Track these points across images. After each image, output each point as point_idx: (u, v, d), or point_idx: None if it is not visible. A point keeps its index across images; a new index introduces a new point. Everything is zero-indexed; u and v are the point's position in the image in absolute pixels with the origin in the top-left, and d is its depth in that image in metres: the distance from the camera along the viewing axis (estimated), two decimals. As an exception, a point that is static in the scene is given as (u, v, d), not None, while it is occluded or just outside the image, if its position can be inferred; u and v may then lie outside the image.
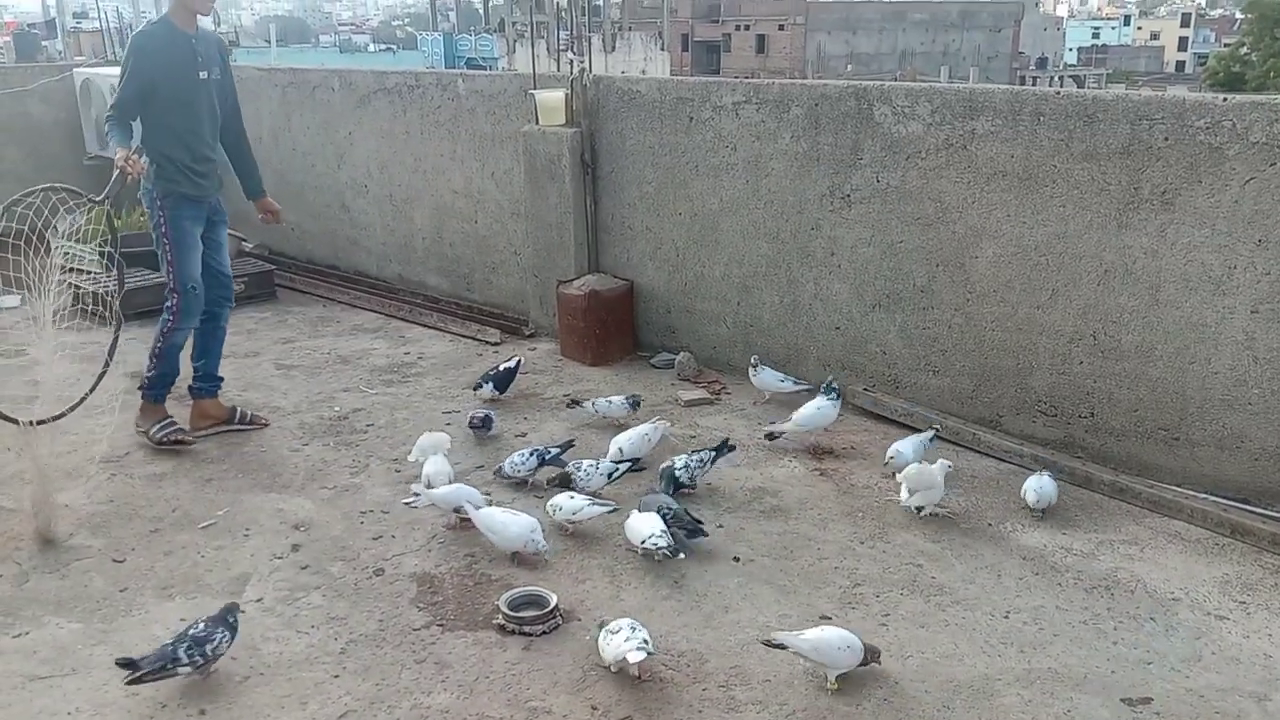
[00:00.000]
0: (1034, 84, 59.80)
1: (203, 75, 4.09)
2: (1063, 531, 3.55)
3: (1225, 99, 3.52)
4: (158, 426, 4.27)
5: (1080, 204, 3.81)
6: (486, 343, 5.61)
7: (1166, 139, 3.59)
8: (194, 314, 4.22)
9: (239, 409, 4.52)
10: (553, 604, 3.04)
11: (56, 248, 6.95)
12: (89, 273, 6.66)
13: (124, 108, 3.99)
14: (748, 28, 59.38)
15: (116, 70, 7.68)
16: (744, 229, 4.85)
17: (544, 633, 2.97)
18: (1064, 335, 3.96)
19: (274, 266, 6.75)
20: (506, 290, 6.03)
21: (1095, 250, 3.82)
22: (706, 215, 4.98)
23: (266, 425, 4.48)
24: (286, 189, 7.22)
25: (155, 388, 4.31)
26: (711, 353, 5.14)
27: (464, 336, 5.71)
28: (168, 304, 4.19)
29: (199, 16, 4.12)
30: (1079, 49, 69.47)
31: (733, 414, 4.62)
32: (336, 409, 4.70)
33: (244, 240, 7.25)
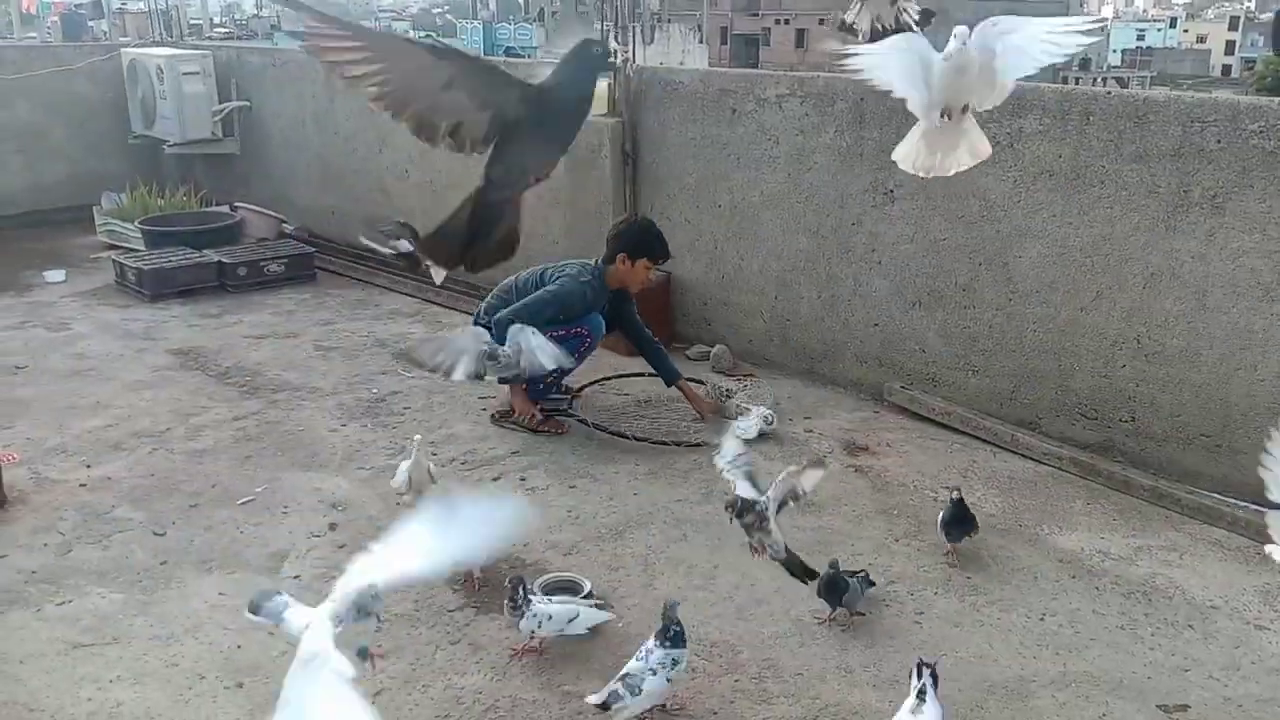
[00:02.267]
0: (1077, 85, 59.02)
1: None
2: (1101, 536, 3.52)
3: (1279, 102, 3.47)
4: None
5: (1128, 205, 3.77)
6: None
7: (1219, 142, 3.54)
8: (601, 329, 4.35)
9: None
10: (586, 590, 3.05)
11: (100, 225, 7.09)
12: (131, 249, 6.77)
13: (535, 317, 4.12)
14: (787, 21, 58.97)
15: (165, 51, 7.83)
16: (784, 223, 4.83)
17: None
18: (1107, 338, 3.92)
19: (314, 249, 6.79)
20: None
21: (1142, 253, 3.78)
22: (746, 208, 4.97)
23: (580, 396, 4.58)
24: (328, 173, 7.34)
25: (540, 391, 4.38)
26: (747, 346, 5.13)
27: None
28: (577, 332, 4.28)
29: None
30: (1123, 50, 68.40)
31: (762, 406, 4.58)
32: (374, 391, 4.73)
33: (284, 222, 7.33)
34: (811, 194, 4.70)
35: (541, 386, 4.37)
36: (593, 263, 4.34)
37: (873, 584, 3.10)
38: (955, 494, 3.31)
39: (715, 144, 5.01)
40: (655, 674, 2.48)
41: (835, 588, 2.93)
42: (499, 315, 4.16)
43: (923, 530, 3.54)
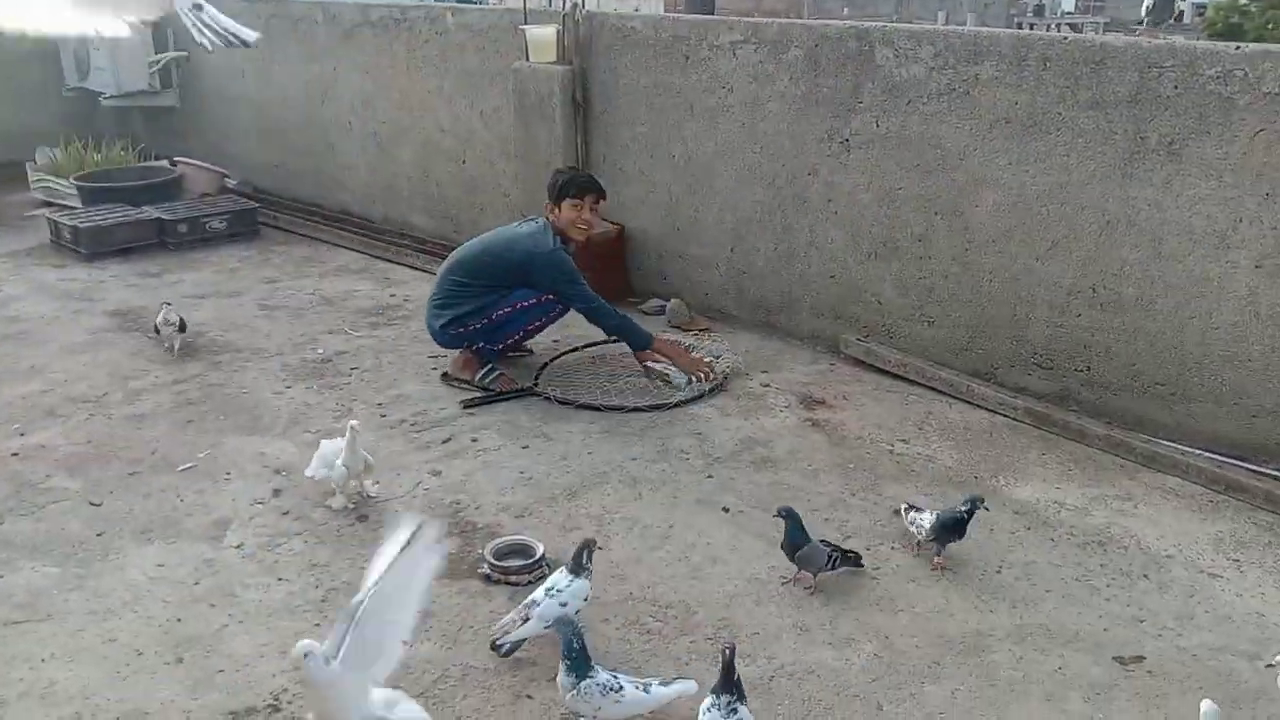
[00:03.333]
0: (1031, 29, 59.16)
1: None
2: (1056, 486, 3.51)
3: (1238, 47, 3.41)
4: (484, 373, 4.21)
5: (1084, 153, 3.72)
6: None
7: (1176, 88, 3.49)
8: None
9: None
10: (539, 554, 2.99)
11: (34, 181, 6.81)
12: (67, 207, 6.52)
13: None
14: (743, -32, 58.06)
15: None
16: (739, 173, 4.74)
17: (529, 583, 2.91)
18: (1063, 287, 3.88)
19: (258, 204, 6.59)
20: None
21: (1098, 201, 3.73)
22: (701, 159, 4.86)
23: (531, 353, 4.54)
24: (269, 126, 7.13)
25: (493, 352, 4.27)
26: (704, 299, 5.05)
27: None
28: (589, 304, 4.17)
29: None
30: (1077, -4, 68.40)
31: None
32: (320, 351, 4.60)
33: (227, 176, 7.09)
34: (766, 143, 4.60)
35: (499, 348, 4.26)
36: (537, 220, 4.23)
37: (860, 565, 2.99)
38: (970, 507, 3.00)
39: (669, 92, 4.88)
40: (551, 598, 2.55)
41: (797, 547, 2.87)
42: (591, 307, 4.14)
43: (878, 484, 3.51)
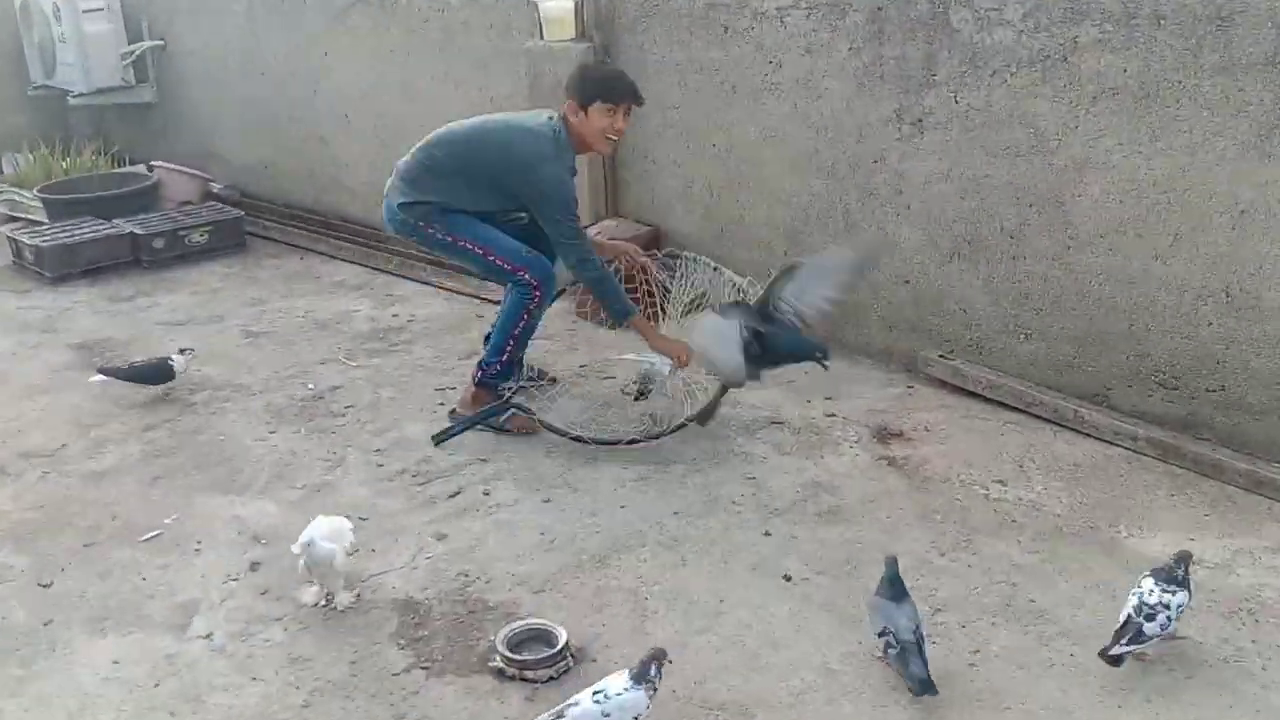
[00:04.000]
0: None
1: None
2: (1189, 536, 3.20)
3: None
4: (496, 412, 3.97)
5: (1211, 129, 3.41)
6: (488, 300, 5.27)
7: (1327, 44, 3.16)
8: (551, 278, 3.92)
9: (532, 365, 4.30)
10: (561, 642, 2.74)
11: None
12: (32, 222, 6.40)
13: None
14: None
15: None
16: (792, 162, 4.49)
17: (551, 679, 2.67)
18: (1189, 290, 3.58)
19: (243, 212, 6.45)
20: None
21: (1229, 186, 3.43)
22: (746, 146, 4.62)
23: (555, 381, 4.31)
24: (259, 121, 7.00)
25: (501, 373, 3.99)
26: None
27: (461, 293, 5.41)
28: (520, 288, 3.86)
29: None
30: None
31: (780, 386, 4.25)
32: (311, 387, 4.42)
33: (210, 181, 6.95)
34: (823, 126, 4.36)
35: (505, 362, 3.98)
36: (550, 118, 3.87)
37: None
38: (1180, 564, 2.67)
39: (706, 70, 4.65)
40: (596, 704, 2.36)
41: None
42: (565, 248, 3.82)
43: (972, 539, 3.22)
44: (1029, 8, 3.71)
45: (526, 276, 3.85)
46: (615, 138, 3.87)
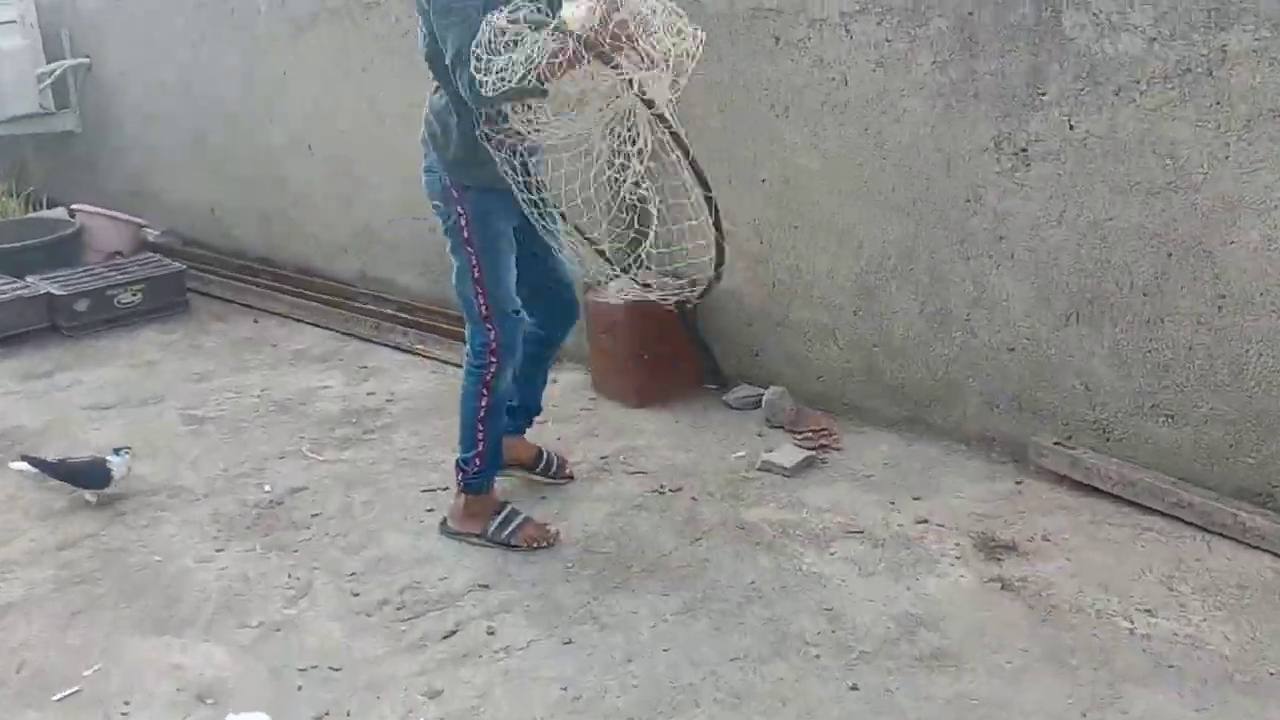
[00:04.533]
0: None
1: None
2: (1401, 683, 2.91)
3: None
4: (500, 523, 3.76)
5: (1407, 157, 3.19)
6: None
7: None
8: (517, 348, 3.75)
9: (547, 450, 4.16)
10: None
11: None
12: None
13: (471, 21, 3.18)
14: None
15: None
16: (861, 200, 4.31)
17: None
18: (1379, 362, 3.35)
19: (185, 265, 6.35)
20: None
21: None
22: (803, 180, 4.45)
23: (572, 479, 4.18)
24: (205, 154, 6.98)
25: (484, 470, 3.80)
26: (817, 386, 4.63)
27: (449, 363, 5.25)
28: (477, 343, 3.69)
29: None
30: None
31: (853, 482, 4.06)
32: (267, 489, 4.23)
33: (146, 227, 6.89)
34: (901, 157, 4.18)
35: (476, 469, 3.78)
36: None
37: None
38: None
39: (753, 87, 4.48)
40: None
41: None
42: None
43: (1118, 690, 2.96)
44: (1163, 9, 3.51)
45: (491, 335, 3.64)
46: None
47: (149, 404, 5.02)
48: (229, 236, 6.99)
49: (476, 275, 3.62)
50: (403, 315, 5.75)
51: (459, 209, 3.57)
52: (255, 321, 5.99)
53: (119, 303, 5.92)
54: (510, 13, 3.11)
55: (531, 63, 3.04)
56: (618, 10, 3.08)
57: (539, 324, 3.87)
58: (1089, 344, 3.91)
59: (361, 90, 5.90)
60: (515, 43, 3.08)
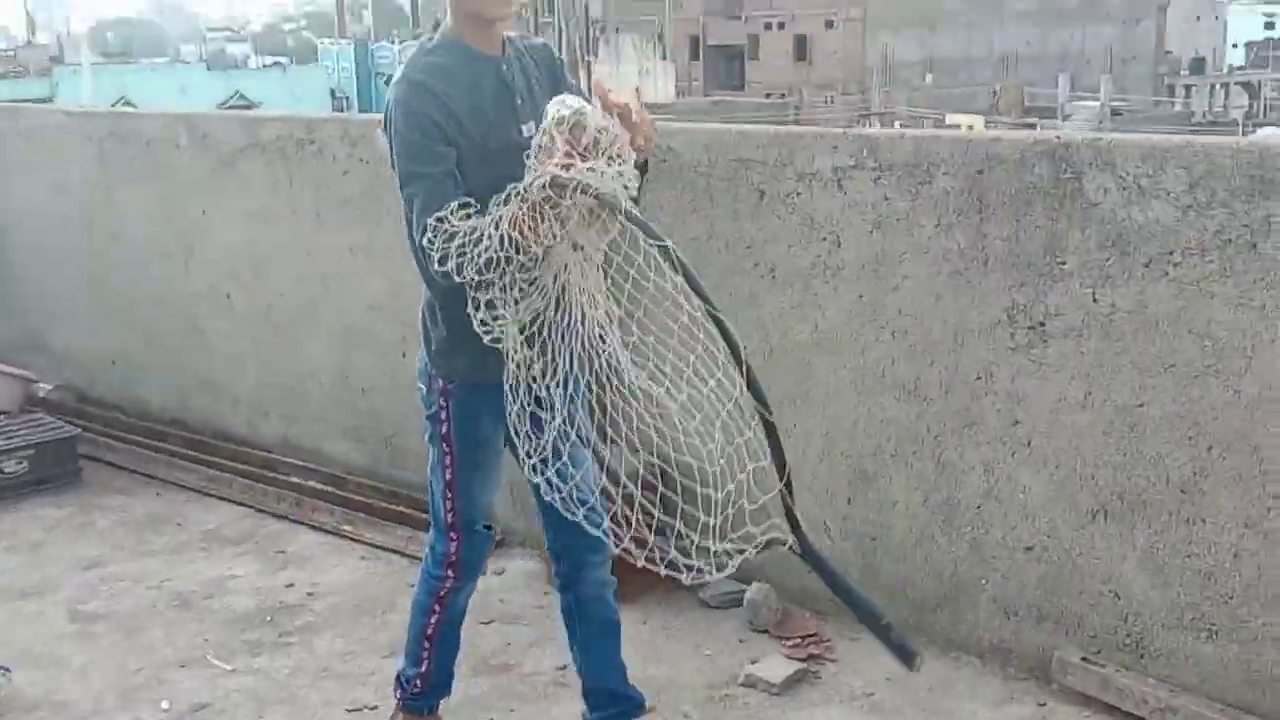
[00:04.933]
0: (1188, 94, 61.22)
1: (525, 131, 3.16)
2: None
3: None
4: None
5: None
6: (419, 559, 4.90)
7: None
8: (478, 567, 3.59)
9: None
10: None
11: None
12: None
13: (434, 190, 3.05)
14: (782, 25, 60.78)
15: None
16: (857, 376, 4.23)
17: None
18: None
19: (79, 429, 6.14)
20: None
21: None
22: (791, 351, 4.36)
23: None
24: (107, 300, 6.90)
25: (428, 691, 3.60)
26: (805, 584, 4.36)
27: (384, 548, 5.08)
28: (438, 550, 3.49)
29: (496, 23, 3.23)
30: (1247, 44, 70.91)
31: (852, 703, 3.89)
32: (165, 706, 3.99)
33: (35, 382, 6.70)
34: (902, 329, 4.11)
35: (417, 689, 3.58)
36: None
37: None
38: None
39: (735, 247, 4.44)
40: None
41: None
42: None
43: None
44: (1198, 174, 3.48)
45: (452, 546, 3.45)
46: None
47: (29, 596, 4.77)
48: (133, 394, 6.83)
49: (448, 478, 3.43)
50: (329, 489, 5.58)
51: (441, 401, 3.38)
52: (159, 495, 5.79)
53: (1, 472, 5.72)
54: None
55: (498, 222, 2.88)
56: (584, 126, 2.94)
57: (552, 547, 3.58)
58: (1118, 546, 3.80)
59: (291, 235, 5.83)
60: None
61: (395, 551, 5.01)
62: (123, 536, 5.33)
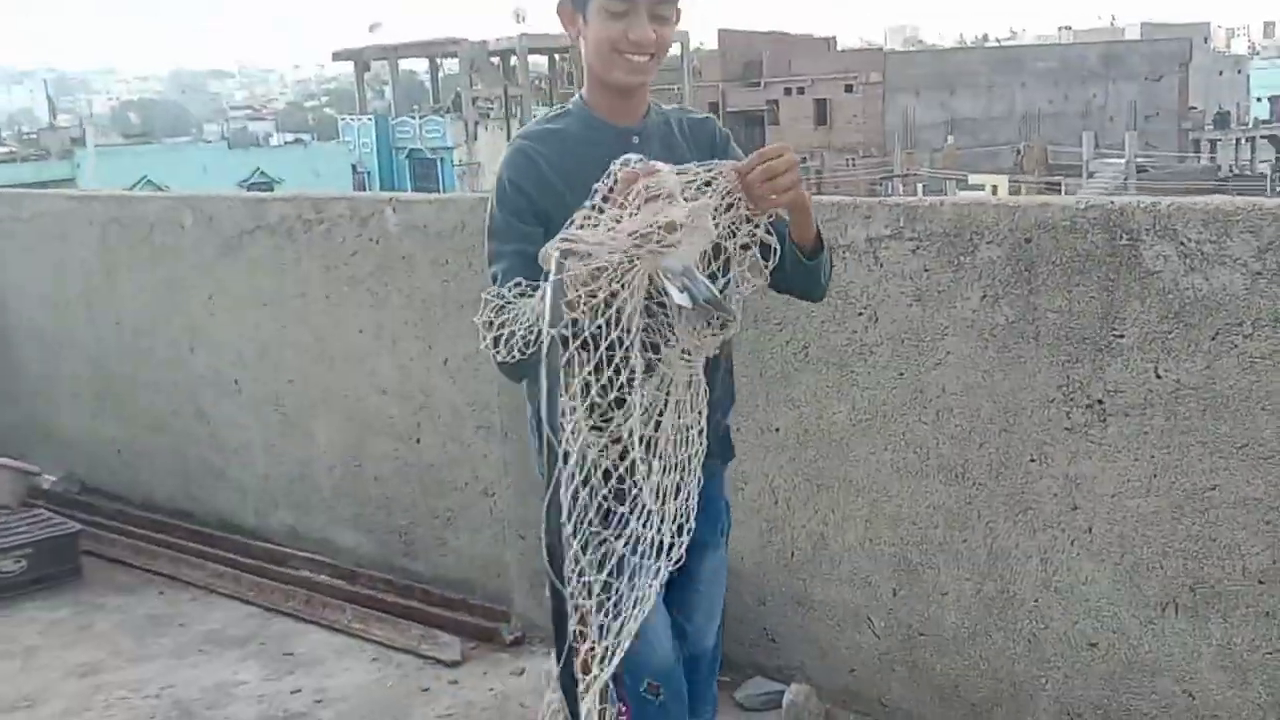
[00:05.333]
0: (1214, 149, 61.11)
1: None
2: None
3: None
4: None
5: None
6: (439, 661, 4.70)
7: None
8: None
9: None
10: None
11: None
12: None
13: (509, 270, 2.76)
14: (802, 91, 61.13)
15: None
16: (899, 458, 4.00)
17: None
18: None
19: (79, 526, 5.96)
20: (472, 558, 5.24)
21: None
22: (828, 433, 4.14)
23: None
24: (110, 386, 6.82)
25: None
26: (849, 681, 4.24)
27: (396, 648, 4.85)
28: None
29: (633, 91, 2.96)
30: (1270, 98, 70.88)
31: None
32: None
33: (36, 474, 6.60)
34: (947, 408, 3.88)
35: None
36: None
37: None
38: None
39: (763, 322, 4.24)
40: None
41: None
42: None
43: None
44: (1268, 238, 3.24)
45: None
46: (633, 54, 2.82)
47: (19, 710, 4.53)
48: (138, 483, 6.71)
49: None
50: (340, 584, 5.38)
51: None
52: (161, 594, 5.57)
53: (-3, 573, 5.54)
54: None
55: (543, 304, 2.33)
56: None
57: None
58: (1192, 642, 3.52)
59: (300, 319, 5.70)
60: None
61: (408, 652, 4.77)
62: (122, 639, 5.10)
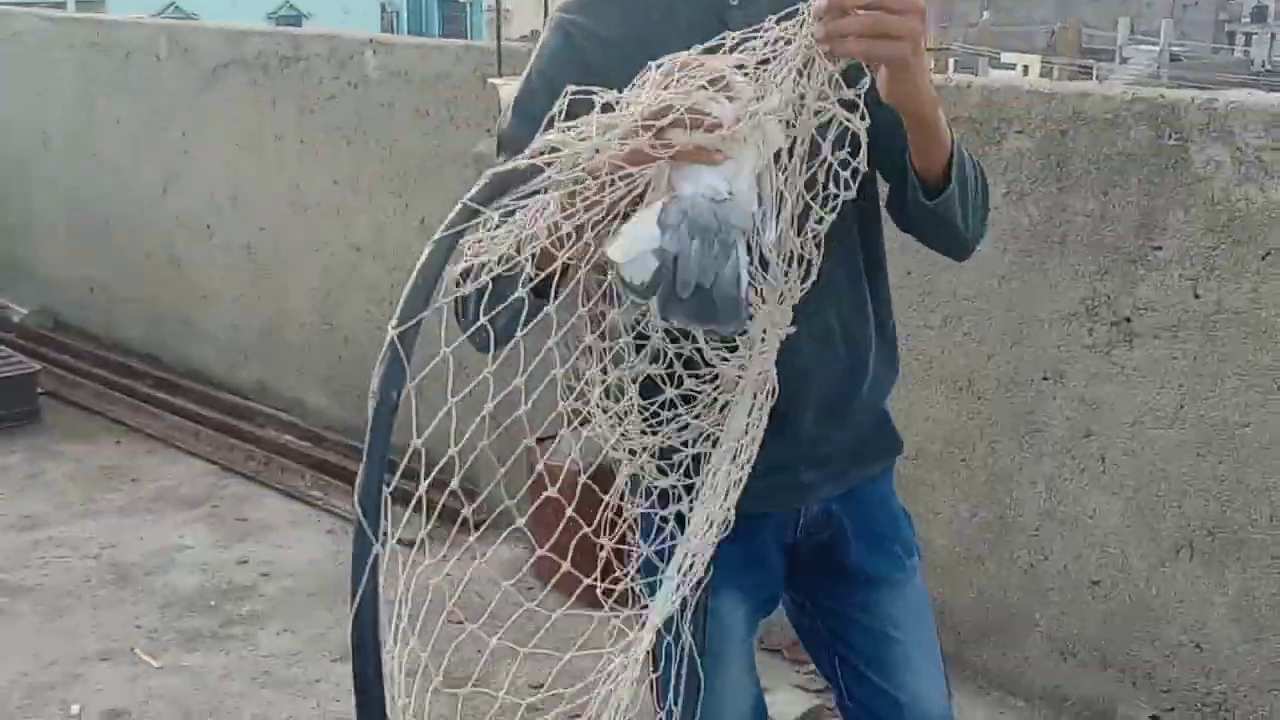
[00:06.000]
0: (1248, 42, 59.65)
1: None
2: None
3: None
4: None
5: None
6: (398, 540, 4.31)
7: None
8: None
9: None
10: None
11: None
12: None
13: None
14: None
15: None
16: (903, 365, 3.63)
17: None
18: None
19: (41, 365, 5.70)
20: (443, 429, 4.82)
21: None
22: None
23: None
24: (86, 223, 6.57)
25: None
26: None
27: (353, 521, 4.47)
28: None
29: None
30: (1312, -5, 69.32)
31: None
32: (74, 710, 3.47)
33: (6, 306, 6.31)
34: (956, 313, 3.58)
35: None
36: None
37: None
38: None
39: None
40: None
41: None
42: None
43: None
44: (1339, 148, 2.83)
45: None
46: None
47: (-48, 557, 4.27)
48: (111, 323, 6.47)
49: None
50: (303, 447, 5.10)
51: None
52: (119, 443, 5.29)
53: (-52, 411, 5.29)
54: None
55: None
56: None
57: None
58: (1205, 589, 3.25)
59: (275, 164, 5.38)
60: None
61: (366, 525, 4.47)
62: (70, 491, 4.84)
